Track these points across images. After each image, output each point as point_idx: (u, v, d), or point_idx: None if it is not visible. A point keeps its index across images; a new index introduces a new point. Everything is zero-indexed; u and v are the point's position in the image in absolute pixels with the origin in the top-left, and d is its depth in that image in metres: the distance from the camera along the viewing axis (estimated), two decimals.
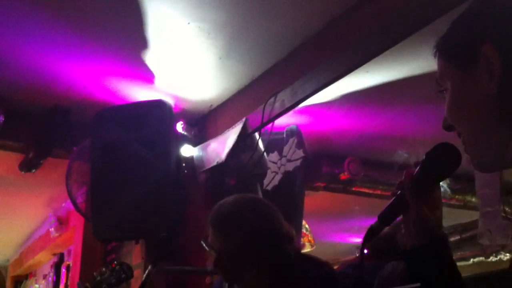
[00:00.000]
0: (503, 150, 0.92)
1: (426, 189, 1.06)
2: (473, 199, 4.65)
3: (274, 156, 3.06)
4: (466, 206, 4.80)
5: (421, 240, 1.05)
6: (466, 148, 0.99)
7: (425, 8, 1.99)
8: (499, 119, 0.92)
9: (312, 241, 4.92)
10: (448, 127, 1.02)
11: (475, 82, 0.94)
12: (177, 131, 3.29)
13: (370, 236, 1.12)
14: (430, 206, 1.07)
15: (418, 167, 1.06)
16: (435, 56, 1.04)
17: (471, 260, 5.08)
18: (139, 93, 3.14)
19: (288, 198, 3.17)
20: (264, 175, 3.04)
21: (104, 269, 2.41)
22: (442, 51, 1.01)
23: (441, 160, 1.04)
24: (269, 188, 3.00)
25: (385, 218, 1.11)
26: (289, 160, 2.97)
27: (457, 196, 4.72)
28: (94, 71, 2.94)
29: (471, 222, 5.14)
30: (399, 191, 1.09)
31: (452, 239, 5.10)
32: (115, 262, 2.49)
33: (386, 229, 2.25)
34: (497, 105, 0.92)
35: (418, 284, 1.02)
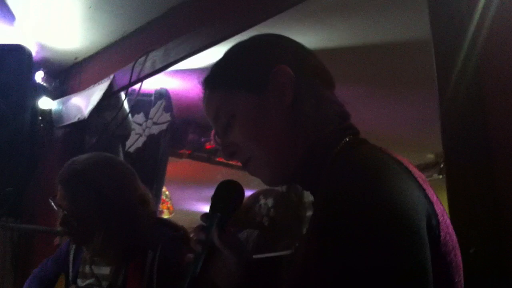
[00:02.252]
0: (290, 167, 0.98)
1: (226, 227, 1.04)
2: None
3: (139, 117, 2.96)
4: None
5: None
6: (260, 168, 1.02)
7: None
8: (293, 137, 0.98)
9: (171, 208, 4.88)
10: (232, 154, 1.04)
11: (269, 103, 0.99)
12: (36, 81, 3.05)
13: None
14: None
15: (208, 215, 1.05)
16: (209, 89, 1.06)
17: None
18: None
19: (151, 162, 3.10)
20: (127, 136, 2.93)
21: None
22: (226, 82, 1.04)
23: (227, 195, 1.07)
24: (131, 150, 2.91)
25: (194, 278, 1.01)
26: (155, 123, 2.90)
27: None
28: None
29: None
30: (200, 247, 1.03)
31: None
32: None
33: (245, 200, 2.29)
34: (291, 124, 0.98)
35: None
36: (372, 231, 0.73)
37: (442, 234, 0.81)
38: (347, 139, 0.95)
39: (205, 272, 1.01)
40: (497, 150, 1.27)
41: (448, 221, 0.87)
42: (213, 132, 1.11)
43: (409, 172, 0.83)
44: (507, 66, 1.30)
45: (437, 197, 0.88)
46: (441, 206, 0.87)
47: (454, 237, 0.87)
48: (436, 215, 0.82)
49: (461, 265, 0.88)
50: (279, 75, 0.99)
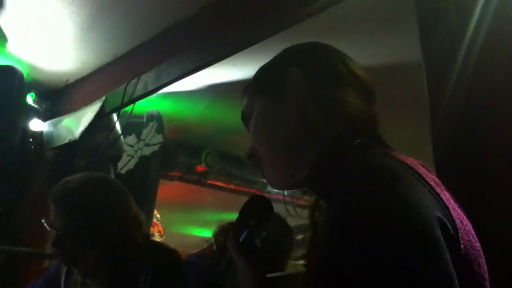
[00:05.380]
0: (298, 171, 0.96)
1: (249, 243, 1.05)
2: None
3: (131, 139, 2.95)
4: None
5: None
6: (266, 168, 1.01)
7: (294, 9, 2.01)
8: (303, 140, 0.96)
9: (162, 231, 4.83)
10: (250, 156, 1.03)
11: (281, 104, 0.99)
12: (27, 102, 3.05)
13: None
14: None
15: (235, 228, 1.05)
16: (243, 96, 1.09)
17: None
18: None
19: (142, 184, 3.08)
20: (119, 158, 2.92)
21: None
22: (250, 89, 1.07)
23: (255, 209, 1.05)
24: (123, 171, 2.89)
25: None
26: (147, 144, 2.88)
27: (305, 197, 4.91)
28: None
29: None
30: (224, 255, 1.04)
31: (297, 237, 5.31)
32: None
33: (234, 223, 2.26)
34: (303, 127, 0.96)
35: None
36: (386, 239, 0.68)
37: (462, 243, 0.75)
38: (357, 142, 0.91)
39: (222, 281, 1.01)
40: (485, 167, 1.28)
41: (469, 227, 0.81)
42: None
43: (420, 176, 0.78)
44: (497, 89, 1.31)
45: (455, 202, 0.83)
46: (460, 212, 0.82)
47: (477, 245, 0.81)
48: (453, 221, 0.76)
49: (486, 276, 0.80)
50: (291, 76, 0.98)
